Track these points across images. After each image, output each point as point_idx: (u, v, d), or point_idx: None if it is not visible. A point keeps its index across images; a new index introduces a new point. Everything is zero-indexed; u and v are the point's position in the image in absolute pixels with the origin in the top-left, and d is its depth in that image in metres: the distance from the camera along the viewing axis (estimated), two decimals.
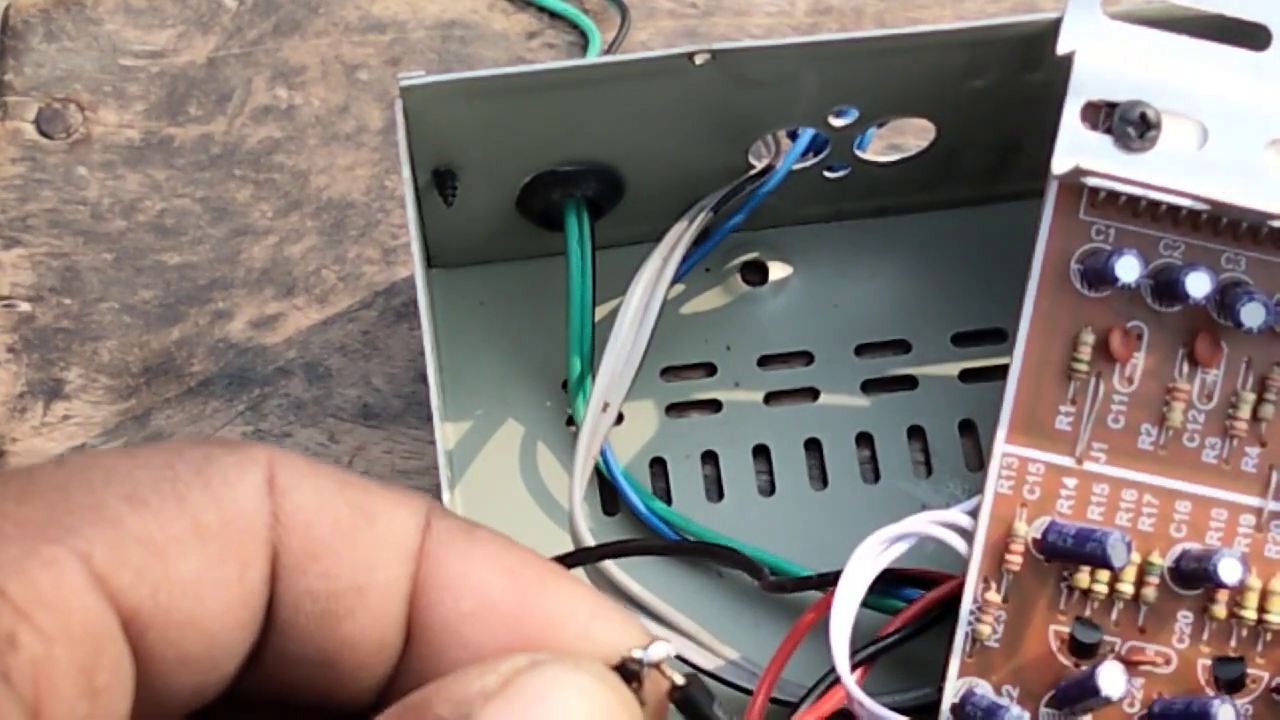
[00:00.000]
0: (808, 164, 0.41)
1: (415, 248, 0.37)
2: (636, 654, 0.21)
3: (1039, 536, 0.36)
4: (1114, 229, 0.36)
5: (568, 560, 0.36)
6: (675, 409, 0.43)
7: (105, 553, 0.19)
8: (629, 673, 0.21)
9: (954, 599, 0.36)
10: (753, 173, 0.41)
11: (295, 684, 0.21)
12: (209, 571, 0.20)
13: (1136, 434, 0.36)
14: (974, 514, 0.36)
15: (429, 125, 0.37)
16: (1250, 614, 0.35)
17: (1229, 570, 0.34)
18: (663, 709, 0.21)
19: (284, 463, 0.21)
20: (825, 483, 0.42)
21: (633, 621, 0.22)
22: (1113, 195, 0.35)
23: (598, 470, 0.41)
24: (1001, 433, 0.36)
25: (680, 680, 0.21)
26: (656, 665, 0.21)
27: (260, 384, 0.44)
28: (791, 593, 0.39)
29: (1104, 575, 0.35)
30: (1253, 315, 0.35)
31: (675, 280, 0.40)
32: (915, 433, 0.42)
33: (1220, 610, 0.35)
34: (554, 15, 0.48)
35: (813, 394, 0.43)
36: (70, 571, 0.18)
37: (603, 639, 0.21)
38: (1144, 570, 0.36)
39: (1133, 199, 0.35)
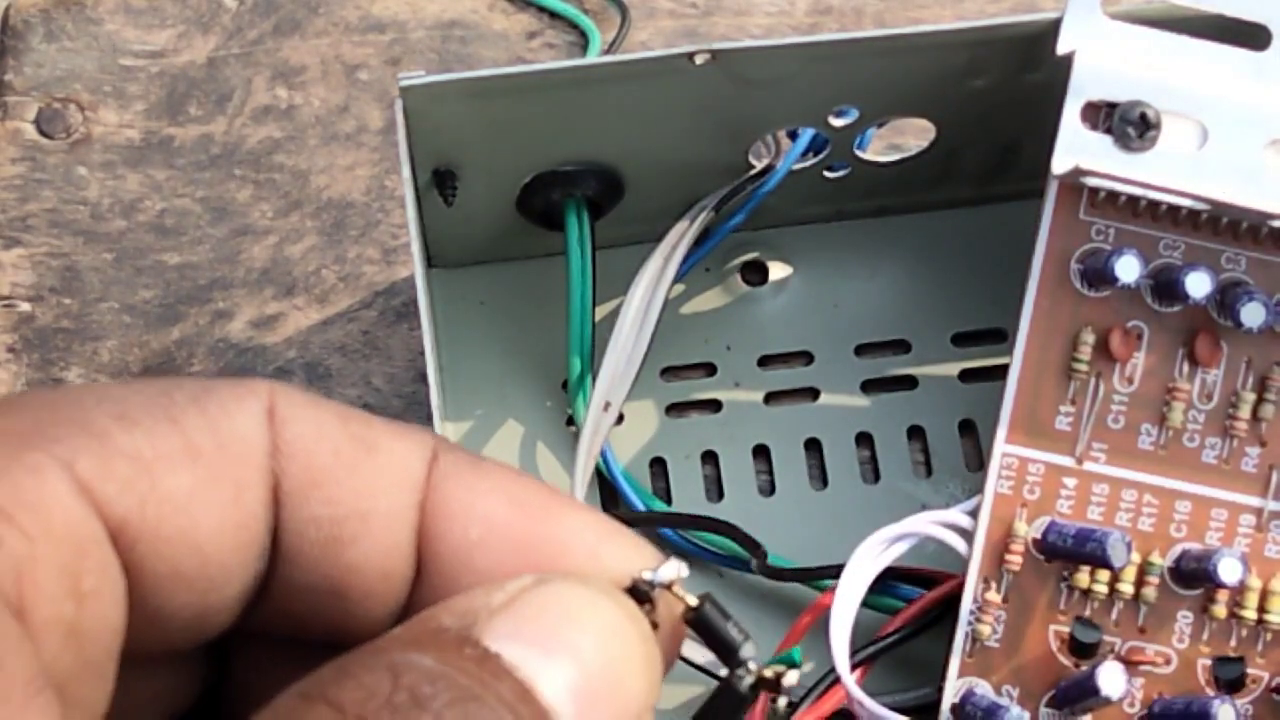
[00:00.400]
0: (808, 164, 0.41)
1: (415, 248, 0.37)
2: (646, 575, 0.20)
3: (1039, 536, 0.36)
4: (1114, 229, 0.36)
5: None
6: (675, 409, 0.43)
7: (90, 462, 0.19)
8: (640, 595, 0.20)
9: (954, 599, 0.36)
10: (753, 173, 0.41)
11: (307, 615, 0.21)
12: (201, 490, 0.20)
13: (1136, 434, 0.36)
14: (974, 514, 0.36)
15: (429, 125, 0.37)
16: (1250, 614, 0.35)
17: (1229, 570, 0.34)
18: (679, 632, 0.21)
19: (284, 395, 0.21)
20: (825, 483, 0.42)
21: (643, 544, 0.21)
22: (1113, 195, 0.35)
23: (598, 470, 0.41)
24: (1001, 433, 0.36)
25: (693, 601, 0.21)
26: (668, 586, 0.21)
27: None
28: (788, 581, 0.39)
29: (1104, 575, 0.35)
30: (1253, 315, 0.35)
31: (675, 280, 0.40)
32: (915, 433, 0.42)
33: (1220, 610, 0.35)
34: (554, 15, 0.48)
35: (813, 394, 0.43)
36: (53, 477, 0.19)
37: (612, 561, 0.21)
38: (1144, 570, 0.36)
39: (1133, 199, 0.35)
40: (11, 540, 0.18)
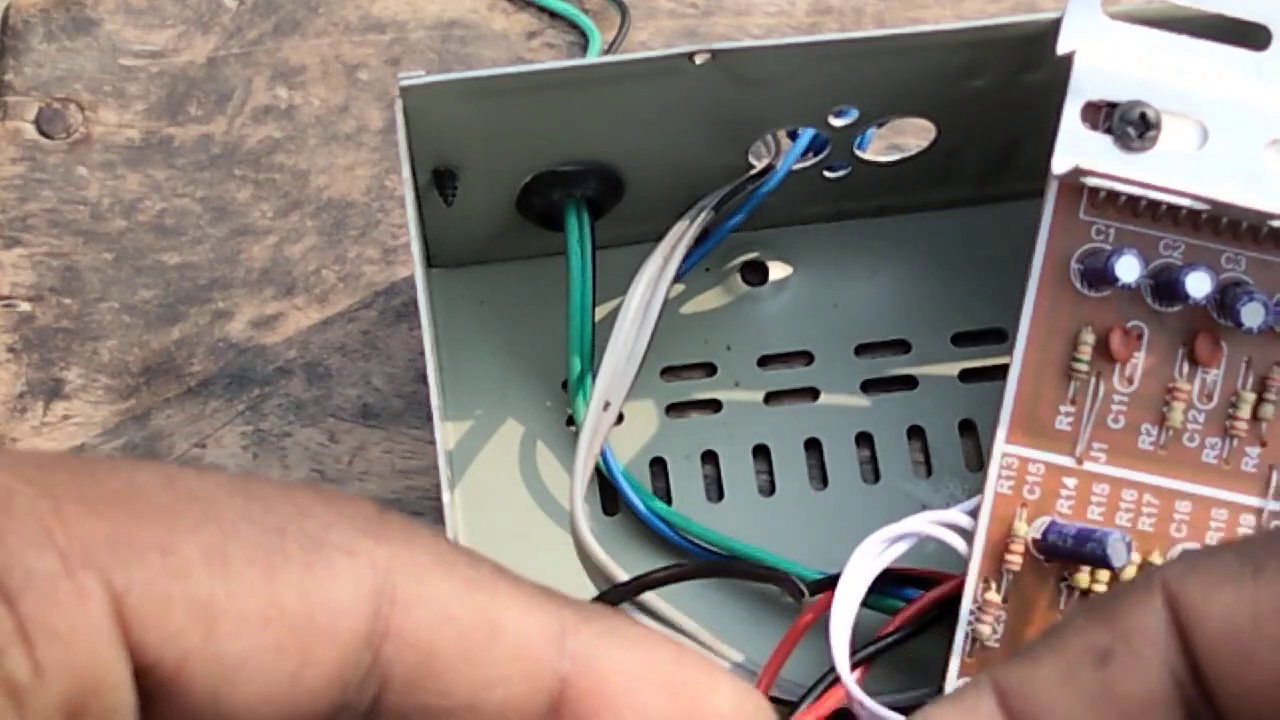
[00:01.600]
0: (808, 164, 0.41)
1: (415, 248, 0.37)
2: None
3: (1039, 536, 0.36)
4: (1114, 229, 0.36)
5: (610, 596, 0.36)
6: (675, 409, 0.43)
7: (144, 599, 0.18)
8: None
9: (954, 599, 0.36)
10: (753, 173, 0.41)
11: None
12: (257, 657, 0.18)
13: (1136, 434, 0.36)
14: (974, 514, 0.36)
15: (429, 125, 0.37)
16: None
17: None
18: None
19: (407, 571, 0.19)
20: (825, 483, 0.42)
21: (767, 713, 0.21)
22: (1113, 195, 0.35)
23: (598, 470, 0.41)
24: (1001, 433, 0.36)
25: None
26: None
27: (260, 384, 0.44)
28: (814, 596, 0.39)
29: (1104, 575, 0.35)
30: (1253, 315, 0.35)
31: (675, 280, 0.40)
32: (915, 433, 0.42)
33: None
34: (554, 15, 0.48)
35: (813, 394, 0.43)
36: (95, 610, 0.17)
37: None
38: (1144, 570, 0.35)
39: (1133, 199, 0.35)
40: (15, 666, 0.17)
